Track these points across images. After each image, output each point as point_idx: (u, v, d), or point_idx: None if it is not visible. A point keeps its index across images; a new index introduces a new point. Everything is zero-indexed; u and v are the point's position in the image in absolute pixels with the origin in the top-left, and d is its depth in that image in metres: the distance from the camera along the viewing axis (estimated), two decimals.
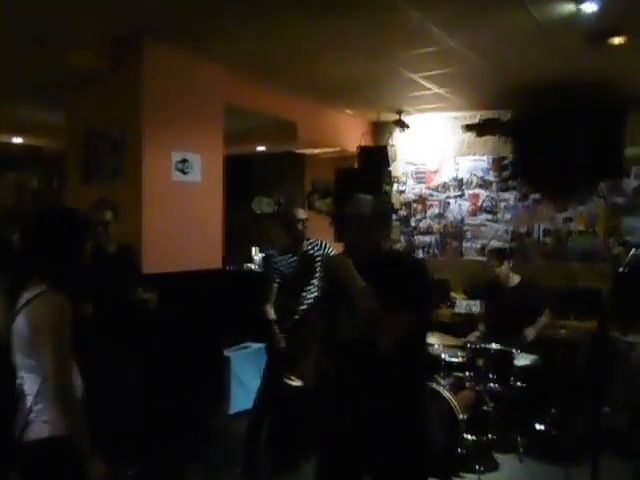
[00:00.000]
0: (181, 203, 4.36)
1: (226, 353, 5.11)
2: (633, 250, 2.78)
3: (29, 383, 2.07)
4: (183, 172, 4.37)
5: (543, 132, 5.42)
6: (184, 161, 4.37)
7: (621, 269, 2.75)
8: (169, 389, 3.98)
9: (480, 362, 4.31)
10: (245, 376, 5.06)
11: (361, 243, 2.38)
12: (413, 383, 2.42)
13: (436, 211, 6.68)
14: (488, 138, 6.30)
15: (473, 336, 4.84)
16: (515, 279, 4.88)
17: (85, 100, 4.44)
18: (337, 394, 2.47)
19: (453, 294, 6.18)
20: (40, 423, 2.04)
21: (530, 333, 4.55)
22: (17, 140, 7.35)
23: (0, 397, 2.24)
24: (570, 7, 3.36)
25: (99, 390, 2.74)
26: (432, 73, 4.84)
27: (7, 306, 2.25)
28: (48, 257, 2.13)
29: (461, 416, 3.88)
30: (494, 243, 6.20)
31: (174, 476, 3.86)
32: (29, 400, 2.06)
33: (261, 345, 4.86)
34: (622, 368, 4.25)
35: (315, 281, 4.13)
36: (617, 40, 3.75)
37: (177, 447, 4.11)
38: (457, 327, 5.24)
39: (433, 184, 6.70)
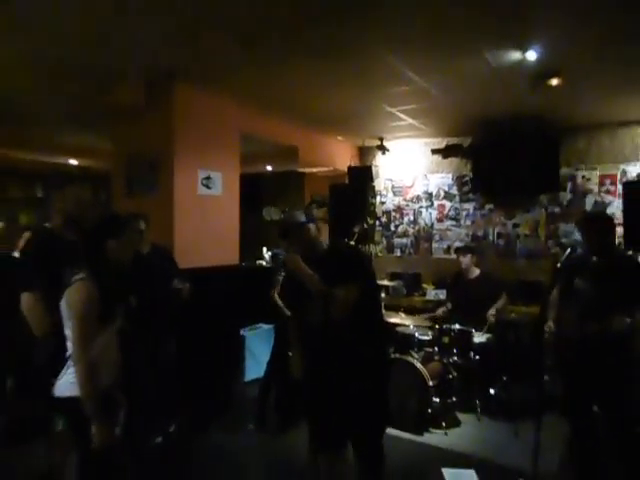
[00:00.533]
0: (205, 212, 4.36)
1: (242, 332, 5.11)
2: (568, 250, 2.79)
3: (70, 350, 2.08)
4: (207, 187, 4.37)
5: (496, 155, 5.44)
6: (208, 178, 4.37)
7: (558, 265, 2.77)
8: (197, 362, 3.98)
9: (446, 339, 4.32)
10: (257, 351, 5.05)
11: (305, 242, 2.43)
12: (372, 350, 2.41)
13: (411, 218, 6.68)
14: (452, 159, 6.31)
15: (440, 311, 4.86)
16: (476, 272, 4.90)
17: (127, 129, 4.44)
18: (313, 373, 2.48)
19: (424, 285, 6.19)
20: (68, 384, 2.04)
21: (491, 316, 4.56)
22: (73, 162, 7.35)
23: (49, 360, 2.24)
24: (517, 55, 3.38)
25: (141, 363, 2.74)
26: (407, 107, 4.85)
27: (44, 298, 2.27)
28: (86, 251, 2.16)
29: (430, 383, 3.89)
30: (457, 244, 6.21)
31: (201, 430, 3.86)
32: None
33: (270, 326, 4.86)
34: None
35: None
36: (554, 81, 3.76)
37: (203, 407, 4.11)
38: (428, 311, 5.26)
39: (408, 196, 6.71)
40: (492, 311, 4.58)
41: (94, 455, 2.01)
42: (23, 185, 7.95)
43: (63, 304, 2.06)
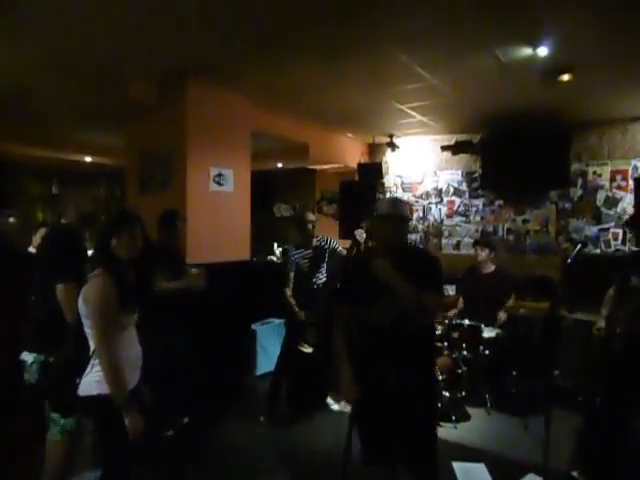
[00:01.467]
0: (217, 208, 4.38)
1: (253, 327, 5.14)
2: (579, 246, 2.77)
3: (91, 348, 2.09)
4: (219, 184, 4.40)
5: (506, 151, 5.40)
6: (220, 175, 4.40)
7: (569, 261, 2.74)
8: (209, 356, 4.02)
9: (455, 334, 4.32)
10: (268, 345, 5.08)
11: (394, 240, 2.21)
12: (428, 353, 2.36)
13: (420, 214, 6.66)
14: (462, 156, 6.26)
15: (452, 312, 4.84)
16: (491, 267, 4.84)
17: (140, 126, 4.48)
18: (367, 374, 2.24)
19: None
20: (92, 382, 2.04)
21: (502, 316, 4.54)
22: (87, 159, 7.42)
23: (74, 359, 2.25)
24: (528, 51, 3.35)
25: (157, 355, 2.76)
26: (417, 104, 4.83)
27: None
28: (100, 247, 2.16)
29: (440, 377, 3.89)
30: (467, 240, 6.19)
31: (213, 423, 3.89)
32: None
33: (281, 320, 4.88)
34: (570, 340, 4.24)
35: (323, 269, 4.16)
36: (566, 77, 3.73)
37: (216, 400, 4.15)
38: None
39: (417, 193, 6.68)
40: (503, 315, 4.55)
41: (120, 449, 2.04)
42: (39, 182, 8.03)
43: (80, 302, 2.06)
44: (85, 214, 2.58)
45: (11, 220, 4.04)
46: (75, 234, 2.74)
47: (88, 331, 2.06)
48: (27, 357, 2.52)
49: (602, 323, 3.10)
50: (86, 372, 2.07)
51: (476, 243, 5.14)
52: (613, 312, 3.01)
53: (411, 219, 2.27)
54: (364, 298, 2.22)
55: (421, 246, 6.55)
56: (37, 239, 3.98)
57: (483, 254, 4.81)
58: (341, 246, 4.29)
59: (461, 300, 4.96)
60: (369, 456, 2.28)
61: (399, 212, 2.21)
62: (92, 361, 2.06)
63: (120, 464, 2.10)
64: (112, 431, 2.01)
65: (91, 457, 2.90)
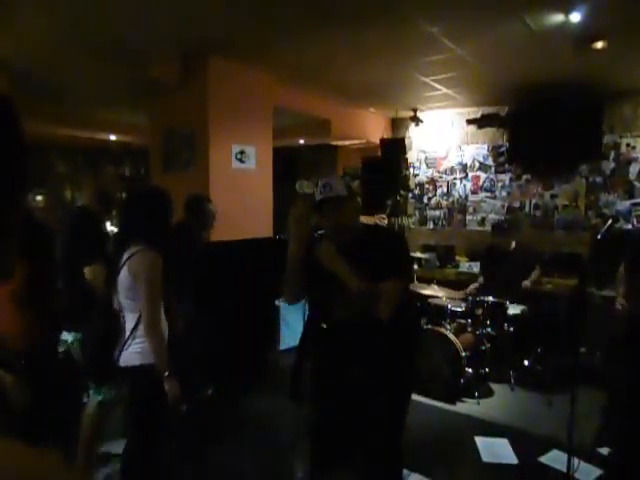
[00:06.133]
0: (240, 186, 4.40)
1: (277, 303, 5.20)
2: (610, 221, 2.68)
3: (128, 321, 2.16)
4: (241, 161, 4.40)
5: (535, 124, 5.24)
6: (242, 152, 4.40)
7: (599, 237, 2.66)
8: (235, 331, 4.09)
9: (479, 311, 4.29)
10: (292, 320, 5.14)
11: (342, 224, 2.02)
12: (403, 345, 2.11)
13: (444, 190, 6.56)
14: (488, 129, 6.12)
15: (473, 286, 4.79)
16: (512, 244, 4.76)
17: (163, 105, 4.49)
18: (329, 372, 2.20)
19: (457, 257, 6.11)
20: (133, 353, 2.13)
21: (527, 284, 4.50)
22: (112, 137, 7.51)
23: (107, 333, 2.33)
24: (560, 17, 3.20)
25: (183, 331, 2.84)
26: (442, 77, 4.70)
27: (107, 269, 2.35)
28: (145, 224, 2.19)
29: (463, 354, 3.89)
30: (492, 216, 6.08)
31: (239, 395, 3.99)
32: (127, 334, 2.16)
33: None
34: (597, 317, 4.17)
35: None
36: (600, 44, 3.57)
37: (241, 374, 4.24)
38: (461, 283, 5.20)
39: (442, 168, 6.57)
40: (527, 282, 4.49)
41: (155, 417, 2.15)
42: (67, 161, 8.19)
43: (125, 275, 2.12)
44: (103, 194, 2.62)
45: (39, 198, 4.14)
46: (92, 215, 2.78)
47: (130, 303, 2.14)
48: (67, 337, 2.64)
49: (622, 300, 3.07)
50: (127, 344, 2.16)
51: (494, 230, 4.97)
52: (631, 289, 2.97)
53: (352, 196, 2.00)
54: (324, 288, 2.07)
55: (444, 224, 6.48)
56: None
57: (502, 240, 4.70)
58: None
59: (482, 277, 4.91)
60: (323, 462, 2.17)
61: (335, 193, 1.99)
62: (133, 333, 2.14)
63: (153, 432, 2.20)
64: (150, 400, 2.12)
65: (122, 426, 3.02)
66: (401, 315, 1.99)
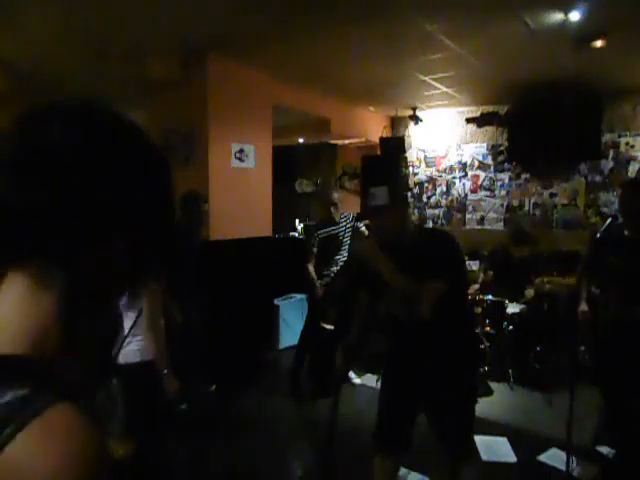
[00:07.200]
0: (239, 184, 4.40)
1: (276, 302, 5.21)
2: (609, 220, 2.68)
3: (127, 319, 2.16)
4: (240, 160, 4.40)
5: (533, 122, 5.24)
6: (241, 151, 4.39)
7: (597, 235, 2.65)
8: (234, 330, 4.09)
9: (478, 310, 4.29)
10: (291, 320, 5.15)
11: (386, 229, 2.14)
12: (458, 341, 2.16)
13: (444, 189, 6.56)
14: (487, 128, 6.12)
15: (472, 288, 4.78)
16: (525, 251, 4.68)
17: (162, 103, 4.48)
18: (393, 364, 2.28)
19: None
20: (132, 351, 2.14)
21: (529, 294, 4.47)
22: None
23: (106, 330, 2.33)
24: (559, 16, 3.21)
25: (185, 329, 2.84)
26: (441, 75, 4.70)
27: None
28: None
29: None
30: (492, 215, 6.08)
31: (239, 393, 3.99)
32: (125, 332, 2.16)
33: (303, 296, 4.93)
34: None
35: (346, 247, 4.15)
36: (599, 43, 3.56)
37: (241, 373, 4.25)
38: None
39: (441, 167, 6.57)
40: (530, 292, 4.48)
41: (153, 413, 2.15)
42: None
43: None
44: None
45: None
46: None
47: (128, 303, 2.14)
48: None
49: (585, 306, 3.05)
50: (127, 342, 2.17)
51: (517, 239, 4.82)
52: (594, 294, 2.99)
53: (394, 204, 2.09)
54: (375, 284, 2.14)
55: (443, 223, 6.48)
56: None
57: (518, 247, 4.64)
58: (364, 224, 4.27)
59: (482, 275, 4.90)
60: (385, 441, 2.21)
61: (376, 202, 2.12)
62: (132, 330, 2.14)
63: (153, 430, 2.20)
64: (150, 397, 2.13)
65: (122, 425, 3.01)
66: (454, 318, 2.09)
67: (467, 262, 5.67)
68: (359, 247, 2.15)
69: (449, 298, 1.98)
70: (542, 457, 3.07)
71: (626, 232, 2.84)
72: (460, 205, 6.43)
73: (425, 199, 6.72)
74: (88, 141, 0.50)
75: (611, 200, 5.32)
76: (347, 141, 6.90)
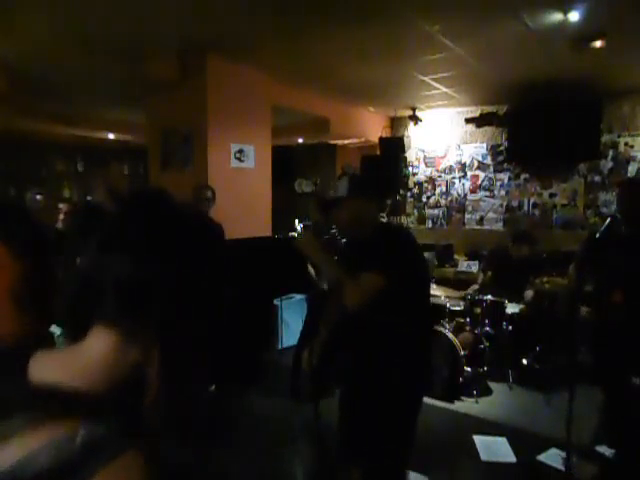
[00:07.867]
0: (238, 185, 4.40)
1: (275, 302, 5.20)
2: (608, 220, 2.68)
3: None
4: (240, 160, 4.40)
5: (533, 122, 5.25)
6: (241, 151, 4.39)
7: (597, 235, 2.66)
8: (234, 330, 4.09)
9: (477, 310, 4.29)
10: (291, 320, 5.14)
11: (342, 221, 2.05)
12: (391, 346, 1.96)
13: (443, 189, 6.57)
14: (487, 128, 6.13)
15: (471, 289, 4.78)
16: (526, 251, 4.66)
17: (161, 103, 4.48)
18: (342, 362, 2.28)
19: (456, 256, 6.12)
20: None
21: (528, 295, 4.47)
22: (110, 136, 7.50)
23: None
24: (558, 16, 3.21)
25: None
26: (440, 76, 4.71)
27: None
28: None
29: (462, 353, 3.89)
30: (491, 215, 6.08)
31: (239, 393, 3.99)
32: None
33: (303, 296, 4.92)
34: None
35: None
36: (598, 43, 3.57)
37: (240, 372, 4.24)
38: (459, 282, 5.21)
39: (441, 167, 6.58)
40: (529, 293, 4.47)
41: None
42: (66, 159, 8.17)
43: None
44: (112, 191, 2.63)
45: (38, 198, 4.13)
46: (103, 213, 2.78)
47: None
48: (56, 330, 2.62)
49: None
50: None
51: (517, 239, 4.74)
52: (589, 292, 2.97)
53: (352, 196, 1.95)
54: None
55: (443, 223, 6.49)
56: (61, 215, 4.07)
57: (519, 248, 4.62)
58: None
59: (481, 275, 4.90)
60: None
61: (338, 193, 2.04)
62: None
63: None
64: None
65: None
66: (397, 320, 1.90)
67: (467, 263, 5.69)
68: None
69: (390, 295, 1.81)
70: (541, 457, 3.07)
71: (625, 232, 2.85)
72: (459, 205, 6.43)
73: (424, 199, 6.73)
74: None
75: (610, 200, 5.33)
76: (346, 141, 6.91)
